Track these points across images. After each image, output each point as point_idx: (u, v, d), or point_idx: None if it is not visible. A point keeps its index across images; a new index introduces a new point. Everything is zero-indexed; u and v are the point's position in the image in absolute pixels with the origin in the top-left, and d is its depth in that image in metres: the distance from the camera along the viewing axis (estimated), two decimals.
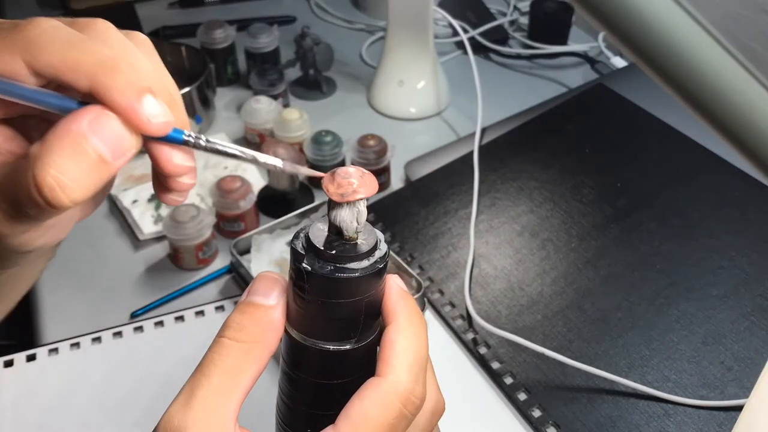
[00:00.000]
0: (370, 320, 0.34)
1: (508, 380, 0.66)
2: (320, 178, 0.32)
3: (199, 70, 0.98)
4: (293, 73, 1.08)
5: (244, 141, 0.98)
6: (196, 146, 0.31)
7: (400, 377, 0.31)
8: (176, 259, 0.80)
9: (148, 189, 0.88)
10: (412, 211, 0.84)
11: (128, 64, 0.30)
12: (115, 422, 0.64)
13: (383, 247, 0.33)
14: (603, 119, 0.94)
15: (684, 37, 0.30)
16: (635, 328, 0.69)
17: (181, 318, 0.73)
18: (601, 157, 0.88)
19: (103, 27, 0.31)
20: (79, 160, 0.29)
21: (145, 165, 0.93)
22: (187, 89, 0.94)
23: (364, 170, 0.32)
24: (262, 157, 0.33)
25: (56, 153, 0.28)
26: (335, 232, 0.32)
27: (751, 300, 0.69)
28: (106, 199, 0.43)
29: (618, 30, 0.31)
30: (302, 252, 0.32)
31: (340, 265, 0.31)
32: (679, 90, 0.31)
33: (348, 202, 0.32)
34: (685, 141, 0.87)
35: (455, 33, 1.10)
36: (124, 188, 0.89)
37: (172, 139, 0.31)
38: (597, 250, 0.76)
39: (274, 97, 0.99)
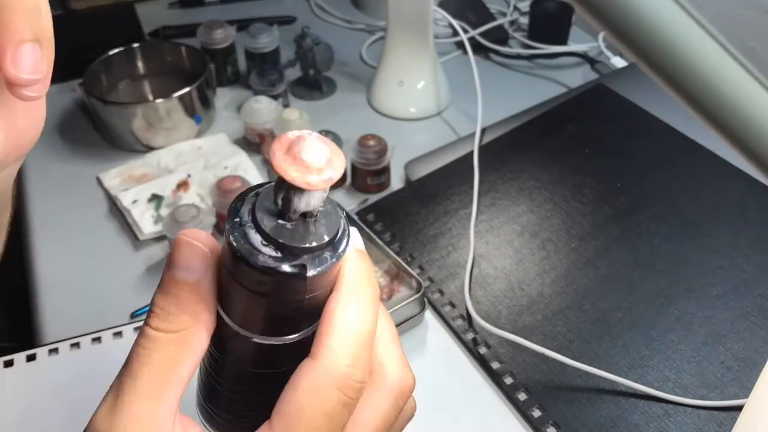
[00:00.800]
0: (314, 315, 0.29)
1: (508, 380, 0.66)
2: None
3: (199, 70, 0.98)
4: (293, 73, 1.08)
5: (244, 141, 0.98)
6: None
7: (336, 359, 0.27)
8: None
9: (148, 189, 0.88)
10: (412, 211, 0.84)
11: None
12: None
13: (343, 240, 0.27)
14: (603, 119, 0.94)
15: (684, 37, 0.30)
16: (635, 328, 0.69)
17: None
18: (601, 157, 0.88)
19: None
20: None
21: (145, 165, 0.93)
22: (187, 89, 0.94)
23: (336, 148, 0.26)
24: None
25: None
26: (286, 210, 0.26)
27: (751, 300, 0.69)
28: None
29: (618, 30, 0.31)
30: (239, 224, 0.26)
31: (288, 258, 0.25)
32: (679, 90, 0.31)
33: (288, 183, 0.25)
34: (685, 141, 0.87)
35: (455, 33, 1.10)
36: (124, 188, 0.89)
37: None
38: (597, 250, 0.76)
39: (274, 97, 0.99)
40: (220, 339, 0.29)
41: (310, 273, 0.26)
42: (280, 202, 0.26)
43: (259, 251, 0.26)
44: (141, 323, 0.77)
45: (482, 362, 0.69)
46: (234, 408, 0.31)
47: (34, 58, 0.26)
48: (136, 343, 0.28)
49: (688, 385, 0.64)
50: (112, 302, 0.77)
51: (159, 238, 0.83)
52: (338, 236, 0.27)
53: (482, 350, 0.69)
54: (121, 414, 0.26)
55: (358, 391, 0.28)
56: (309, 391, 0.27)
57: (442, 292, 0.75)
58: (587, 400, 0.64)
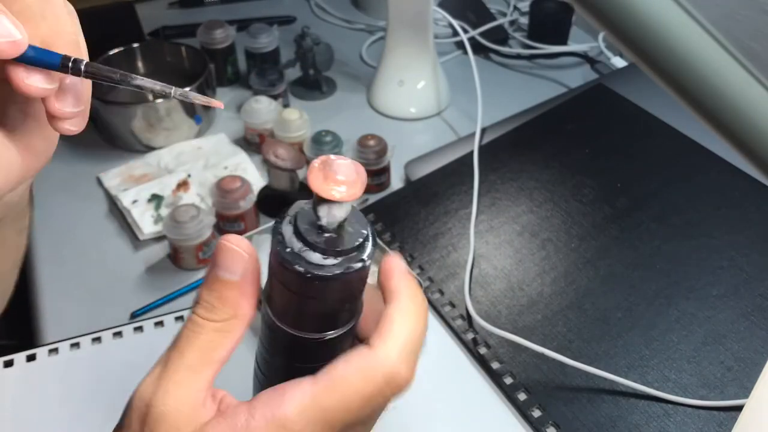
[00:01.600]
0: (345, 314, 0.33)
1: (508, 380, 0.66)
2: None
3: (199, 70, 0.98)
4: (293, 73, 1.08)
5: (244, 141, 0.98)
6: (75, 72, 0.30)
7: (390, 354, 0.31)
8: (176, 259, 0.80)
9: (148, 189, 0.88)
10: (412, 211, 0.84)
11: None
12: (115, 422, 0.64)
13: (368, 247, 0.31)
14: (603, 119, 0.94)
15: (684, 37, 0.30)
16: (635, 328, 0.69)
17: (181, 318, 0.73)
18: (601, 157, 0.88)
19: None
20: None
21: (145, 165, 0.93)
22: (187, 89, 0.94)
23: (359, 166, 0.30)
24: (150, 83, 0.31)
25: None
26: (319, 223, 0.31)
27: (751, 300, 0.69)
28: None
29: (618, 30, 0.31)
30: (284, 235, 0.31)
31: (313, 262, 0.30)
32: (679, 90, 0.31)
33: (331, 200, 0.30)
34: (685, 141, 0.87)
35: (455, 33, 1.10)
36: (124, 188, 0.89)
37: (40, 62, 0.29)
38: (597, 250, 0.76)
39: (274, 97, 0.99)
40: (265, 327, 0.34)
41: (332, 274, 0.30)
42: (317, 215, 0.30)
43: (302, 258, 0.30)
44: (141, 323, 0.78)
45: (482, 362, 0.69)
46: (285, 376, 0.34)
47: (75, 91, 0.31)
48: (185, 327, 0.32)
49: (688, 385, 0.64)
50: (112, 302, 0.77)
51: (159, 238, 0.83)
52: (364, 242, 0.31)
53: (482, 350, 0.69)
54: (166, 380, 0.31)
55: (400, 389, 0.31)
56: (359, 370, 0.31)
57: (442, 292, 0.75)
58: (587, 400, 0.64)
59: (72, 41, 0.31)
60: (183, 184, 0.89)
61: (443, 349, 0.71)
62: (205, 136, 0.99)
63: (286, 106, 1.02)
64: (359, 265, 0.31)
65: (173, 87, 0.31)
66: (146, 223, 0.84)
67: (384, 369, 0.31)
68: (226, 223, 0.82)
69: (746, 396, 0.59)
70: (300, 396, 0.31)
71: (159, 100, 0.93)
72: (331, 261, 0.30)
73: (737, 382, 0.63)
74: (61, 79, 0.31)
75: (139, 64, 1.05)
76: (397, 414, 0.65)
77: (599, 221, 0.79)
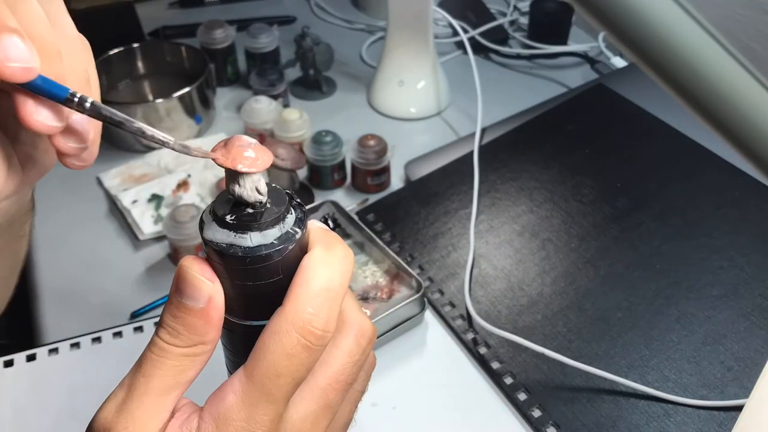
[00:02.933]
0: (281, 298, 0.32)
1: (508, 380, 0.66)
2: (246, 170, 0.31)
3: (199, 70, 0.98)
4: (293, 73, 1.08)
5: None
6: (80, 107, 0.29)
7: (299, 306, 0.30)
8: (176, 259, 0.80)
9: (148, 189, 0.88)
10: (412, 211, 0.84)
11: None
12: None
13: (289, 219, 0.31)
14: (603, 119, 0.94)
15: (684, 37, 0.30)
16: (635, 328, 0.69)
17: None
18: (601, 157, 0.88)
19: None
20: None
21: (145, 165, 0.93)
22: (187, 89, 0.94)
23: (256, 142, 0.31)
24: (150, 131, 0.30)
25: None
26: (237, 202, 0.31)
27: (751, 300, 0.69)
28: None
29: (618, 30, 0.31)
30: (204, 221, 0.31)
31: (239, 236, 0.30)
32: (679, 90, 0.31)
33: (242, 173, 0.30)
34: (685, 141, 0.87)
35: (455, 33, 1.10)
36: (124, 188, 0.89)
37: (46, 92, 0.28)
38: (597, 250, 0.76)
39: (274, 97, 0.99)
40: (225, 329, 0.33)
41: (261, 251, 0.30)
42: (231, 191, 0.31)
43: (218, 236, 0.30)
44: (141, 323, 0.78)
45: (482, 362, 0.69)
46: None
47: (82, 129, 0.31)
48: (150, 350, 0.31)
49: (688, 385, 0.64)
50: (112, 302, 0.77)
51: (159, 238, 0.83)
52: (284, 217, 0.31)
53: (482, 350, 0.69)
54: (131, 405, 0.30)
55: (319, 338, 0.31)
56: (272, 332, 0.30)
57: (442, 292, 0.75)
58: (587, 400, 0.64)
59: (83, 78, 0.31)
60: (183, 184, 0.89)
61: (443, 349, 0.71)
62: (205, 136, 0.99)
63: (286, 106, 1.02)
64: (285, 237, 0.31)
65: (173, 139, 0.31)
66: (146, 223, 0.84)
67: (294, 323, 0.30)
68: None
69: (746, 396, 0.59)
70: (236, 383, 0.31)
71: (159, 100, 0.93)
72: (257, 239, 0.30)
73: (737, 382, 0.63)
74: (68, 116, 0.30)
75: (139, 64, 1.05)
76: (398, 414, 0.65)
77: (599, 221, 0.79)
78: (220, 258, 0.30)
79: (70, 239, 0.85)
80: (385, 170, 0.89)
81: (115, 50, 1.02)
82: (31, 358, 0.69)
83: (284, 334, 0.30)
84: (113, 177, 0.92)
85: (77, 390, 0.67)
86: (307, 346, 0.30)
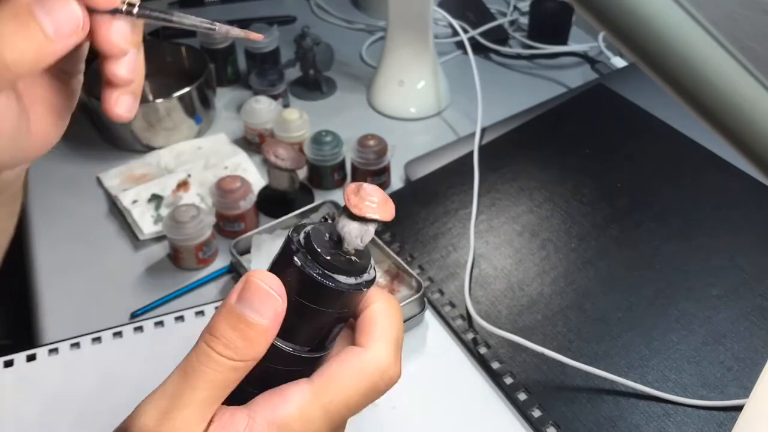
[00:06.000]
0: (332, 336, 0.34)
1: (508, 380, 0.66)
2: (277, 98, 0.32)
3: (199, 70, 0.98)
4: (293, 73, 1.08)
5: (244, 141, 0.98)
6: (128, 13, 0.31)
7: (381, 353, 0.33)
8: (176, 259, 0.80)
9: (148, 189, 0.88)
10: (412, 211, 0.84)
11: None
12: (115, 422, 0.64)
13: (372, 273, 0.33)
14: (603, 119, 0.94)
15: (684, 37, 0.30)
16: (635, 328, 0.69)
17: (181, 318, 0.73)
18: (601, 157, 0.88)
19: None
20: (21, 31, 0.28)
21: (145, 165, 0.93)
22: (187, 89, 0.94)
23: (388, 196, 0.33)
24: (192, 19, 0.33)
25: None
26: (336, 240, 0.33)
27: (751, 300, 0.69)
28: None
29: (618, 30, 0.31)
30: (297, 246, 0.32)
31: (329, 273, 0.32)
32: (679, 90, 0.31)
33: (361, 219, 0.32)
34: (685, 141, 0.86)
35: (455, 33, 1.10)
36: (123, 188, 0.89)
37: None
38: (597, 250, 0.76)
39: (274, 97, 0.99)
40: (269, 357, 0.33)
41: (345, 289, 0.32)
42: (335, 229, 0.33)
43: (310, 264, 0.32)
44: (141, 323, 0.77)
45: (482, 362, 0.69)
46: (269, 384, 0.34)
47: (130, 60, 0.32)
48: (198, 360, 0.31)
49: (688, 385, 0.64)
50: (112, 302, 0.77)
51: (159, 238, 0.83)
52: (368, 270, 0.33)
53: (482, 350, 0.69)
54: (176, 415, 0.30)
55: (393, 383, 0.33)
56: (355, 370, 0.32)
57: (442, 292, 0.75)
58: (587, 400, 0.64)
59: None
60: (183, 184, 0.89)
61: (443, 349, 0.71)
62: (205, 136, 0.99)
63: (286, 106, 1.02)
64: (365, 287, 0.33)
65: (217, 23, 0.33)
66: (146, 223, 0.84)
67: (379, 367, 0.33)
68: (226, 223, 0.82)
69: (746, 396, 0.59)
70: (299, 396, 0.32)
71: (159, 100, 0.93)
72: (352, 279, 0.32)
73: (737, 382, 0.63)
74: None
75: None
76: (398, 414, 0.65)
77: (599, 221, 0.79)
78: (293, 276, 0.31)
79: (70, 239, 0.85)
80: (385, 170, 0.89)
81: None
82: (31, 358, 0.69)
83: (367, 375, 0.32)
84: (113, 177, 0.92)
85: (77, 390, 0.67)
86: (379, 390, 0.33)
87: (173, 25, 0.32)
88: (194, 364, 0.31)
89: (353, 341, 0.34)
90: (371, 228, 0.32)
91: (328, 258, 0.32)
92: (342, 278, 0.32)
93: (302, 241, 0.32)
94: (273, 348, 0.32)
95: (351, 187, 0.33)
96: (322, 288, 0.31)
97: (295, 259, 0.31)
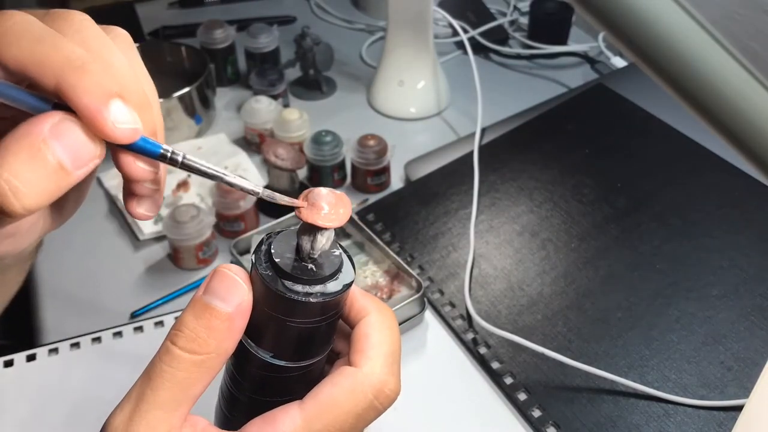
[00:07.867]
0: (319, 345, 0.33)
1: (508, 380, 0.66)
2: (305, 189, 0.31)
3: (199, 70, 0.98)
4: (293, 73, 1.08)
5: (244, 141, 0.97)
6: (172, 162, 0.30)
7: (375, 369, 0.31)
8: (176, 259, 0.80)
9: None
10: (412, 211, 0.84)
11: (99, 63, 0.28)
12: None
13: (340, 283, 0.31)
14: (603, 119, 0.94)
15: (684, 37, 0.30)
16: (635, 328, 0.69)
17: None
18: (601, 157, 0.88)
19: (79, 19, 0.30)
20: (36, 165, 0.27)
21: None
22: (187, 89, 0.94)
23: (342, 197, 0.31)
24: (240, 181, 0.31)
25: (12, 155, 0.26)
26: (299, 250, 0.31)
27: (751, 300, 0.69)
28: (78, 209, 0.41)
29: (618, 30, 0.31)
30: (259, 252, 0.31)
31: (283, 280, 0.30)
32: (679, 90, 0.31)
33: (313, 226, 0.31)
34: (685, 141, 0.87)
35: (455, 33, 1.10)
36: None
37: (143, 150, 0.29)
38: (597, 250, 0.76)
39: (274, 97, 0.99)
40: (245, 361, 0.33)
41: (305, 299, 0.30)
42: (305, 243, 0.31)
43: (271, 277, 0.30)
44: (141, 323, 0.77)
45: (482, 362, 0.69)
46: (253, 412, 0.33)
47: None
48: (161, 360, 0.30)
49: (688, 385, 0.64)
50: (112, 302, 0.77)
51: (159, 238, 0.83)
52: (341, 270, 0.31)
53: (482, 350, 0.69)
54: (138, 420, 0.29)
55: (391, 400, 0.32)
56: (347, 390, 0.31)
57: (442, 292, 0.75)
58: (587, 400, 0.64)
59: (160, 122, 0.32)
60: (183, 184, 0.89)
61: (443, 349, 0.71)
62: (205, 136, 0.99)
63: (286, 106, 1.02)
64: (348, 283, 0.31)
65: (261, 188, 0.31)
66: (146, 223, 0.84)
67: (373, 385, 0.31)
68: (226, 223, 0.82)
69: (746, 396, 0.59)
70: (290, 422, 0.30)
71: (159, 100, 0.93)
72: (308, 288, 0.30)
73: (737, 382, 0.63)
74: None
75: None
76: (398, 414, 0.65)
77: (599, 221, 0.79)
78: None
79: (70, 239, 0.85)
80: (385, 170, 0.89)
81: None
82: (31, 358, 0.69)
83: (360, 395, 0.31)
84: (113, 177, 0.92)
85: (77, 390, 0.67)
86: (377, 408, 0.31)
87: (220, 183, 0.32)
88: (156, 364, 0.30)
89: (348, 360, 0.33)
90: (320, 236, 0.30)
91: (282, 266, 0.30)
92: (298, 287, 0.30)
93: (264, 247, 0.31)
94: (252, 356, 0.32)
95: (304, 192, 0.31)
96: (273, 294, 0.30)
97: (253, 262, 0.31)
